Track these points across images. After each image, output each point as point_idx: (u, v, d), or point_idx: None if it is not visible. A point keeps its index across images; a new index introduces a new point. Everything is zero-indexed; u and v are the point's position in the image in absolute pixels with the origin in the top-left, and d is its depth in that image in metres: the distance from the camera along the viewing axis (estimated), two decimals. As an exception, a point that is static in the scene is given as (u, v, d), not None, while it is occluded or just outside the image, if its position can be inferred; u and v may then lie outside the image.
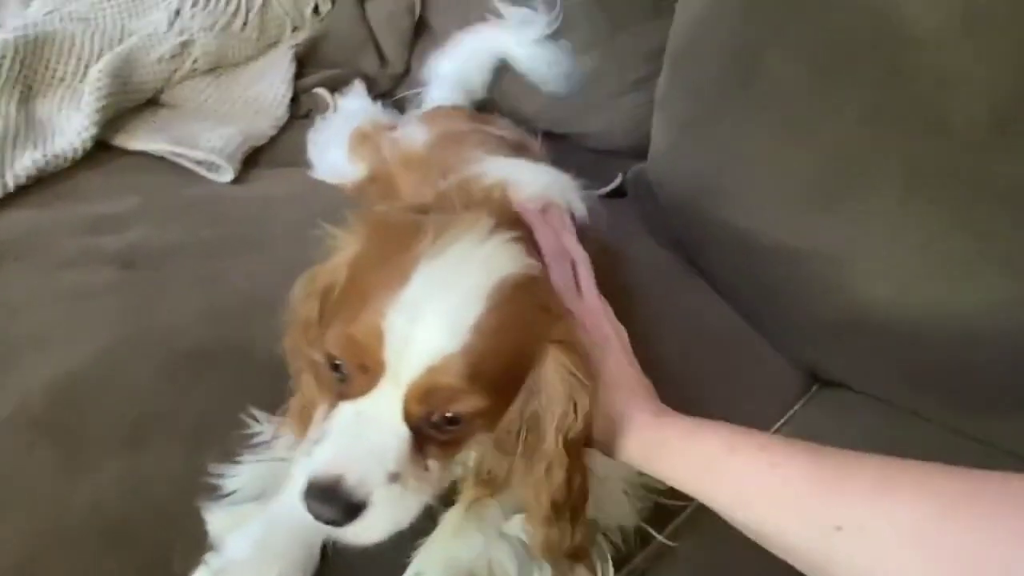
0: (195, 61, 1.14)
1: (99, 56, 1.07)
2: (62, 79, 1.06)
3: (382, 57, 1.34)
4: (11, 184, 0.91)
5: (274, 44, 1.27)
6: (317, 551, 0.55)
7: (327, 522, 0.45)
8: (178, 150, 1.00)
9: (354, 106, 1.21)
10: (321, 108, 1.21)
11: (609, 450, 0.54)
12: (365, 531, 0.46)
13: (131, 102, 1.09)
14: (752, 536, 0.47)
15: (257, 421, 0.64)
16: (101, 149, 1.02)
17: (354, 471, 0.44)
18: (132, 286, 0.80)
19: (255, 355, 0.73)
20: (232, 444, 0.62)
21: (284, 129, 1.17)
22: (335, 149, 1.09)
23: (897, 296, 0.74)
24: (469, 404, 0.45)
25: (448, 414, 0.46)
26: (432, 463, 0.48)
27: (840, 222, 0.77)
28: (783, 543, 0.44)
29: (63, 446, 0.63)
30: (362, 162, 1.03)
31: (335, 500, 0.43)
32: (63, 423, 0.64)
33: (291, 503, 0.54)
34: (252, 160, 1.09)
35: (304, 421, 0.60)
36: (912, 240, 0.72)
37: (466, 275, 0.47)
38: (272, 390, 0.68)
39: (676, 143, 1.00)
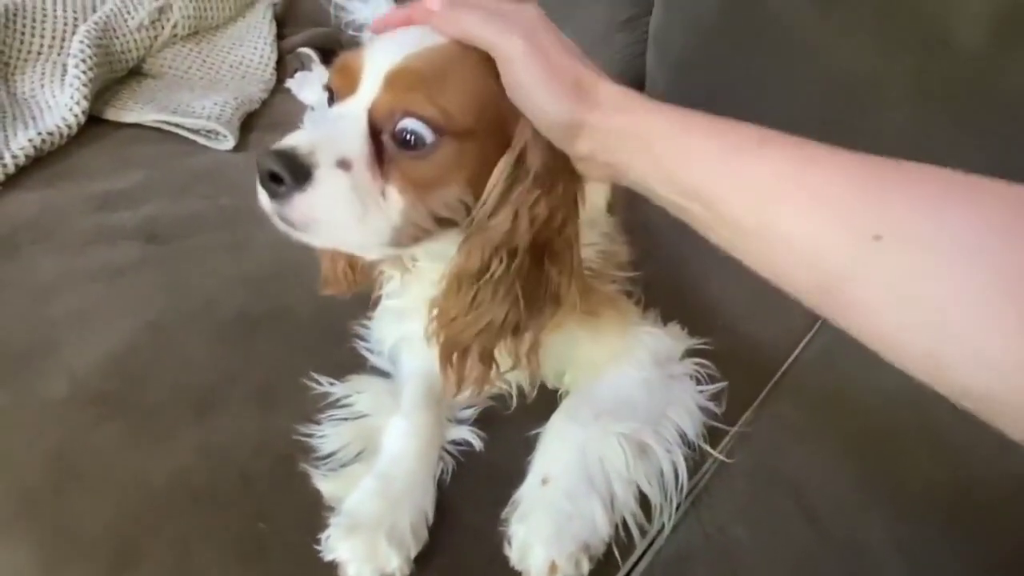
0: (175, 26, 1.10)
1: (74, 26, 1.03)
2: (39, 52, 1.02)
3: (362, 10, 1.31)
4: (11, 165, 0.88)
5: (251, 4, 1.23)
6: (433, 486, 0.57)
7: (271, 178, 0.45)
8: (176, 119, 0.98)
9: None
10: (307, 68, 1.18)
11: (561, 139, 0.47)
12: (306, 207, 0.46)
13: (114, 73, 1.05)
14: (750, 241, 0.40)
15: (320, 384, 0.65)
16: (91, 124, 0.99)
17: (307, 143, 0.46)
18: (162, 259, 0.79)
19: (299, 316, 0.74)
20: (305, 404, 0.63)
21: (274, 92, 1.15)
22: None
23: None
24: (428, 108, 0.46)
25: (409, 119, 0.47)
26: (392, 192, 0.48)
27: (852, 141, 0.80)
28: (803, 248, 0.37)
29: (130, 419, 0.63)
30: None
31: (282, 157, 0.45)
32: (125, 397, 0.64)
33: (395, 451, 0.57)
34: (247, 126, 1.07)
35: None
36: (922, 153, 0.76)
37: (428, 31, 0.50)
38: (325, 348, 0.70)
39: (675, 78, 1.01)
